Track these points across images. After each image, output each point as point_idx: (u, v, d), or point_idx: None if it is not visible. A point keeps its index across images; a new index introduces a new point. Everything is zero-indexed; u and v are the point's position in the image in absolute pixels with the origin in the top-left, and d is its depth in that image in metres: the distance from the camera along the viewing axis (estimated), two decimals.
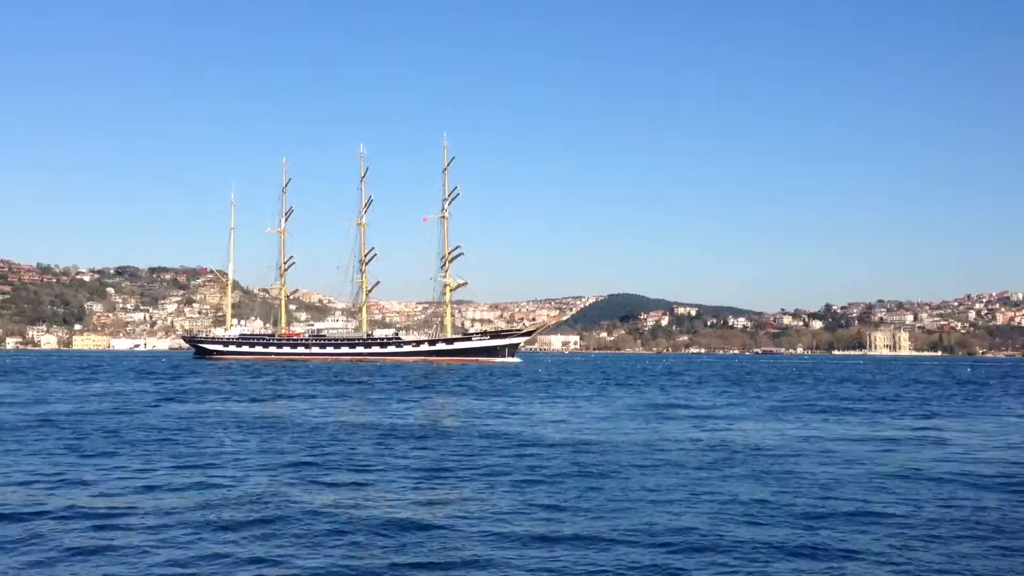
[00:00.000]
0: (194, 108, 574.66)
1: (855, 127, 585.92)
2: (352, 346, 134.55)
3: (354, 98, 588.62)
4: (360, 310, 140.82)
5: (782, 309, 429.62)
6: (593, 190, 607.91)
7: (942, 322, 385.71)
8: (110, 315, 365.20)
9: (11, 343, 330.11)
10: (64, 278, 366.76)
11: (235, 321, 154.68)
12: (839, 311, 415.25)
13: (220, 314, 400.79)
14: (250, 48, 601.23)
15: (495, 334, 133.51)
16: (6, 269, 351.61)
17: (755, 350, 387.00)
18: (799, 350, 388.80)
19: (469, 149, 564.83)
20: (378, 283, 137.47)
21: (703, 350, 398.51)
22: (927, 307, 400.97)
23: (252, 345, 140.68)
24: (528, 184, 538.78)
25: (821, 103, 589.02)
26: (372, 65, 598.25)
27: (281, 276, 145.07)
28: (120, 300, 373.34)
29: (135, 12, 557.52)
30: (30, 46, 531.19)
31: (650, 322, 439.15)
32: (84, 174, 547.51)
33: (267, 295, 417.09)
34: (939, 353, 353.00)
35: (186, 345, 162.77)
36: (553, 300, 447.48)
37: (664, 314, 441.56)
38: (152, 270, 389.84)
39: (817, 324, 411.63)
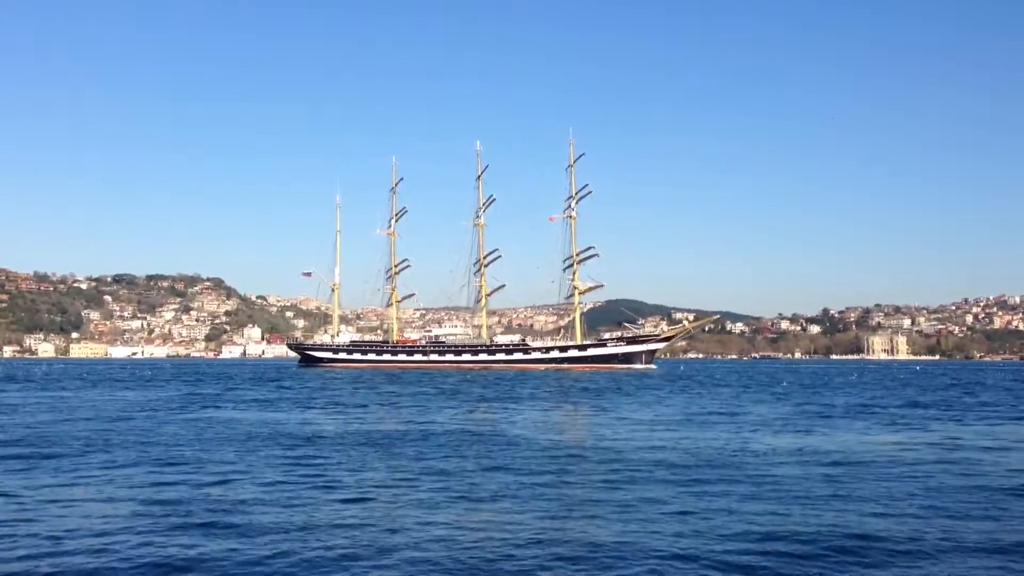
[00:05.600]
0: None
1: (853, 131, 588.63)
2: (475, 353, 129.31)
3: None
4: (481, 314, 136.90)
5: (780, 314, 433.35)
6: (592, 195, 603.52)
7: (940, 326, 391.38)
8: (107, 323, 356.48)
9: (8, 351, 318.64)
10: (61, 286, 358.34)
11: (345, 327, 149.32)
12: (837, 316, 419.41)
13: (217, 321, 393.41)
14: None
15: (632, 339, 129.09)
16: (3, 278, 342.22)
17: (753, 355, 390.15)
18: (797, 355, 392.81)
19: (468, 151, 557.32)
20: (503, 286, 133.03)
21: (701, 355, 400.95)
22: (924, 311, 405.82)
23: (364, 352, 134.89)
24: (528, 186, 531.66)
25: (818, 107, 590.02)
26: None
27: (391, 280, 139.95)
28: (117, 308, 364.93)
29: (144, 14, 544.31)
30: (48, 49, 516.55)
31: (648, 328, 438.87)
32: (80, 181, 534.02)
33: (264, 302, 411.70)
34: (937, 357, 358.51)
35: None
36: (551, 306, 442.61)
37: (662, 319, 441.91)
38: (149, 278, 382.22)
39: (815, 329, 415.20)
